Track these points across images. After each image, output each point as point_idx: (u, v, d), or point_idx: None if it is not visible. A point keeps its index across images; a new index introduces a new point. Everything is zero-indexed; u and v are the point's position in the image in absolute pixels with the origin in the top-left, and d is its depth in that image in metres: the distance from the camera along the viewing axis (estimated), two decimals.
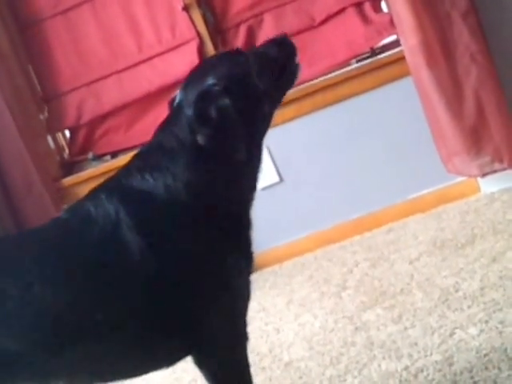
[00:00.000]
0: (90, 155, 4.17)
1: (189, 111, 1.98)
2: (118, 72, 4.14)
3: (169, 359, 2.04)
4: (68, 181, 4.13)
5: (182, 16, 4.00)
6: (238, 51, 2.19)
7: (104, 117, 4.20)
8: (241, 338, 2.00)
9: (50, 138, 4.26)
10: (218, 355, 1.97)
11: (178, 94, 2.10)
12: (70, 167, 4.24)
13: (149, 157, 2.03)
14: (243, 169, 2.03)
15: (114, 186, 2.01)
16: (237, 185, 2.03)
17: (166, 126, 2.05)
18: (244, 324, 2.00)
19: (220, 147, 1.96)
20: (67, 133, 4.34)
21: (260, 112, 2.07)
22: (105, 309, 1.88)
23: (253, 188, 2.08)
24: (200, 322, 1.93)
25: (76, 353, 1.90)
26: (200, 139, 1.95)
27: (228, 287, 1.95)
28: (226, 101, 1.96)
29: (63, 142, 4.35)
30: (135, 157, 2.06)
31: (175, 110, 2.05)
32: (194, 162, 1.96)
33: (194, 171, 1.95)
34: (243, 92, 2.02)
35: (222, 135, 1.95)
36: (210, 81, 2.00)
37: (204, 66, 2.18)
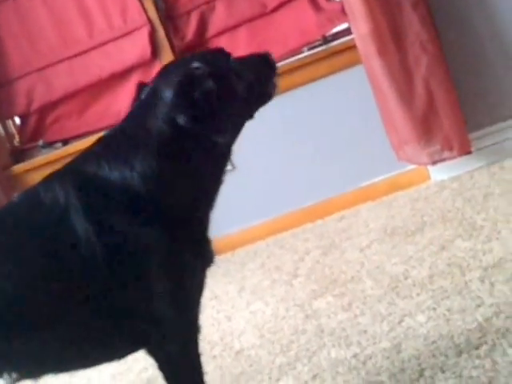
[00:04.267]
0: (41, 142, 4.13)
1: (168, 94, 1.94)
2: (69, 58, 4.10)
3: (120, 350, 2.03)
4: (18, 168, 4.09)
5: (133, 2, 3.97)
6: (220, 49, 2.17)
7: (55, 104, 4.16)
8: (193, 329, 2.00)
9: None
10: (169, 346, 1.97)
11: (151, 81, 2.07)
12: (20, 155, 4.20)
13: (110, 143, 2.00)
14: (209, 164, 2.01)
15: (68, 171, 2.00)
16: (198, 181, 2.00)
17: (134, 112, 2.03)
18: (196, 315, 2.00)
19: (201, 129, 1.93)
20: (17, 120, 4.28)
21: (235, 109, 2.04)
22: (51, 294, 1.87)
23: (215, 187, 2.06)
24: (151, 313, 1.92)
25: (23, 340, 1.89)
26: (181, 120, 1.92)
27: (178, 281, 1.94)
28: (211, 84, 1.94)
29: (13, 129, 4.29)
30: (96, 142, 2.03)
31: (147, 97, 2.02)
32: (156, 153, 1.93)
33: (154, 162, 1.92)
34: (224, 83, 2.00)
35: (203, 118, 1.92)
36: (194, 64, 1.99)
37: (185, 57, 2.17)
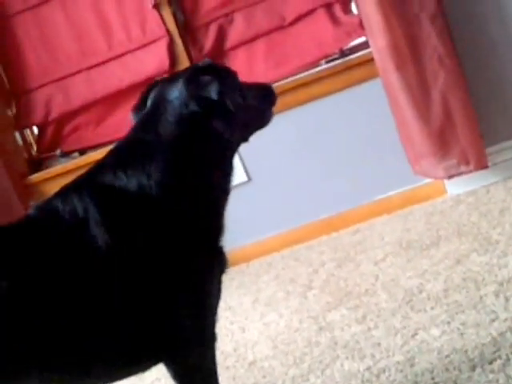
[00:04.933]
0: (58, 152, 4.15)
1: (175, 93, 1.97)
2: (88, 69, 4.12)
3: (140, 363, 2.00)
4: (35, 177, 4.11)
5: (152, 14, 3.99)
6: (228, 68, 2.19)
7: (73, 114, 4.18)
8: (209, 338, 2.00)
9: (17, 135, 4.23)
10: (186, 356, 1.96)
11: (152, 92, 2.08)
12: (37, 164, 4.22)
13: (124, 153, 2.01)
14: (219, 169, 2.03)
15: (84, 182, 1.99)
16: (212, 187, 2.02)
17: (142, 122, 2.04)
18: (213, 324, 2.00)
19: (211, 115, 1.97)
20: (35, 129, 4.31)
21: (237, 117, 2.06)
22: (70, 307, 1.86)
23: (226, 191, 2.07)
24: (168, 323, 1.92)
25: (41, 351, 1.87)
26: (213, 93, 1.94)
27: (198, 288, 1.94)
28: (217, 85, 1.96)
29: (31, 139, 4.31)
30: (110, 153, 2.04)
31: (153, 105, 2.03)
32: (170, 159, 1.95)
33: (169, 170, 1.94)
34: (229, 92, 2.01)
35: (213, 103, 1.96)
36: (199, 70, 2.02)
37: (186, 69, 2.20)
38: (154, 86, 2.09)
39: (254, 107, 2.15)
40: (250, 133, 2.17)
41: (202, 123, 1.98)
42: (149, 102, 2.06)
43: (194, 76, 2.00)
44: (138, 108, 2.09)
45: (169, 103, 1.99)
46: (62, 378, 1.97)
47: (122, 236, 1.88)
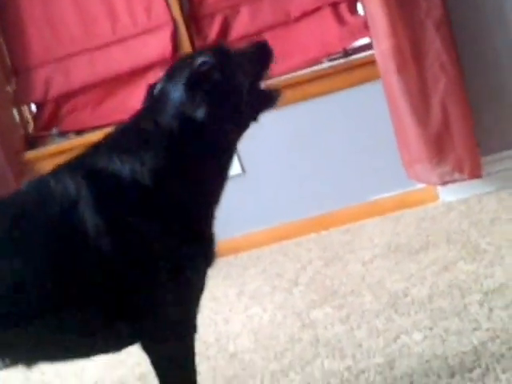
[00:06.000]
0: (55, 131, 4.16)
1: (177, 93, 1.97)
2: (90, 50, 4.13)
3: (116, 344, 2.03)
4: (30, 155, 4.12)
5: (159, 0, 3.99)
6: (221, 44, 2.20)
7: (72, 94, 4.18)
8: (189, 328, 2.00)
9: (15, 111, 4.23)
10: (163, 343, 1.97)
11: (159, 80, 2.09)
12: (33, 141, 4.22)
13: (120, 138, 2.02)
14: (217, 162, 2.04)
15: (79, 163, 2.00)
16: (206, 179, 2.02)
17: (145, 110, 2.05)
18: (194, 315, 2.00)
19: (214, 122, 1.96)
20: (33, 107, 4.31)
21: (241, 99, 2.07)
22: (54, 283, 1.88)
23: (221, 183, 2.07)
24: (150, 309, 1.93)
25: (22, 328, 1.89)
26: (199, 114, 1.94)
27: (182, 277, 1.94)
28: (218, 75, 1.98)
29: (29, 116, 4.31)
30: (107, 136, 2.04)
31: (158, 95, 2.04)
32: (166, 149, 1.95)
33: (164, 158, 1.94)
34: (229, 74, 2.03)
35: (216, 110, 1.96)
36: (199, 60, 2.01)
37: (189, 54, 2.19)
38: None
39: (256, 78, 2.13)
40: (260, 110, 2.13)
41: (197, 124, 1.99)
42: (155, 90, 2.07)
43: (192, 84, 1.98)
44: (147, 98, 2.10)
45: (170, 100, 1.99)
46: (39, 351, 1.99)
47: (110, 219, 1.89)
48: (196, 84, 1.96)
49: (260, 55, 2.18)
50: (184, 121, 1.96)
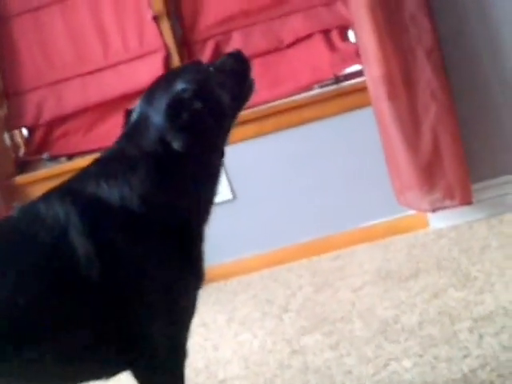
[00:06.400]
0: (46, 155, 4.15)
1: (158, 119, 1.98)
2: (82, 75, 4.12)
3: (106, 371, 2.02)
4: (21, 179, 4.10)
5: (151, 26, 4.00)
6: (198, 62, 2.23)
7: (64, 118, 4.17)
8: (180, 353, 2.00)
9: (6, 135, 4.22)
10: (155, 369, 1.96)
11: (137, 104, 2.10)
12: (24, 166, 4.21)
13: (107, 164, 2.02)
14: (203, 182, 2.05)
15: (67, 189, 2.00)
16: (194, 201, 2.03)
17: (127, 135, 2.05)
18: (185, 339, 2.00)
19: (195, 151, 1.97)
20: (25, 131, 4.30)
21: (224, 121, 2.09)
22: (44, 311, 1.87)
23: (209, 204, 2.09)
24: (140, 335, 1.92)
25: (14, 353, 1.87)
26: (176, 145, 1.95)
27: (172, 301, 1.94)
28: (199, 104, 1.98)
29: (20, 140, 4.30)
30: (93, 162, 2.05)
31: (138, 120, 2.04)
32: (152, 174, 1.96)
33: (151, 183, 1.95)
34: (210, 98, 2.05)
35: (196, 139, 1.97)
36: (179, 86, 2.02)
37: (167, 77, 2.19)
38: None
39: (236, 89, 2.16)
40: (239, 109, 2.18)
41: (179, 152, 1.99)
42: (133, 117, 2.07)
43: (172, 111, 1.99)
44: (126, 123, 2.11)
45: (151, 124, 2.00)
46: (30, 376, 1.97)
47: (101, 245, 1.89)
48: (176, 112, 1.97)
49: (238, 66, 2.21)
50: (167, 145, 1.97)
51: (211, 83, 2.09)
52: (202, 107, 1.99)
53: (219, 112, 2.06)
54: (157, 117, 1.99)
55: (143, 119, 2.03)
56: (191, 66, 2.23)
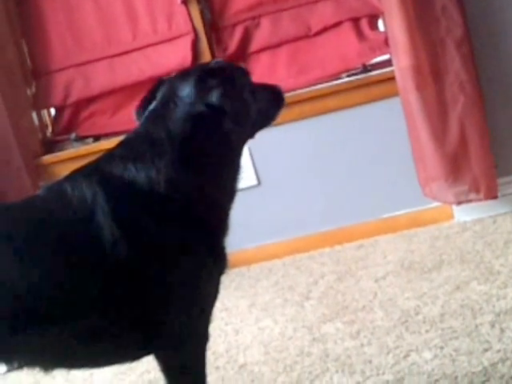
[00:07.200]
0: (73, 136, 4.17)
1: (187, 90, 1.99)
2: (111, 57, 4.14)
3: (129, 353, 2.03)
4: (48, 159, 4.13)
5: (181, 9, 4.01)
6: (242, 67, 2.23)
7: (91, 99, 4.20)
8: (202, 337, 2.01)
9: (34, 115, 4.25)
10: (177, 351, 1.97)
11: (159, 91, 2.10)
12: (51, 145, 4.23)
13: (134, 146, 2.02)
14: (229, 166, 2.06)
15: (94, 170, 2.00)
16: (219, 185, 2.04)
17: (153, 116, 2.05)
18: (206, 324, 2.01)
19: (228, 107, 1.98)
20: (53, 111, 4.33)
21: (245, 124, 2.09)
22: (70, 292, 1.87)
23: (233, 191, 2.09)
24: (163, 317, 1.93)
25: (38, 333, 1.88)
26: (214, 98, 1.96)
27: (195, 286, 1.95)
28: (221, 90, 1.98)
29: (47, 120, 4.33)
30: (120, 144, 2.05)
31: (163, 103, 2.04)
32: (179, 157, 1.96)
33: (178, 167, 1.95)
34: (238, 95, 2.05)
35: (228, 95, 1.99)
36: (208, 75, 2.03)
37: (195, 67, 2.21)
38: (162, 83, 2.10)
39: (261, 107, 2.16)
40: (256, 131, 2.19)
41: (209, 123, 1.99)
42: (158, 97, 2.07)
43: (203, 77, 2.01)
44: (144, 105, 2.11)
45: (179, 100, 2.00)
46: (53, 358, 1.99)
47: (126, 228, 1.89)
48: (207, 76, 1.99)
49: (274, 94, 2.23)
50: (196, 120, 1.98)
51: (244, 82, 2.11)
52: (225, 96, 2.00)
53: (243, 112, 2.07)
54: (186, 89, 2.00)
55: (169, 99, 2.02)
56: (231, 64, 2.24)
